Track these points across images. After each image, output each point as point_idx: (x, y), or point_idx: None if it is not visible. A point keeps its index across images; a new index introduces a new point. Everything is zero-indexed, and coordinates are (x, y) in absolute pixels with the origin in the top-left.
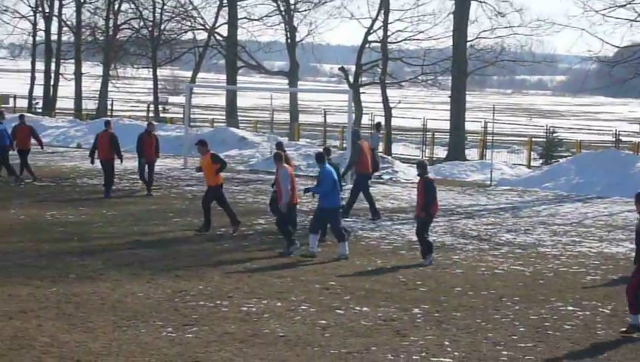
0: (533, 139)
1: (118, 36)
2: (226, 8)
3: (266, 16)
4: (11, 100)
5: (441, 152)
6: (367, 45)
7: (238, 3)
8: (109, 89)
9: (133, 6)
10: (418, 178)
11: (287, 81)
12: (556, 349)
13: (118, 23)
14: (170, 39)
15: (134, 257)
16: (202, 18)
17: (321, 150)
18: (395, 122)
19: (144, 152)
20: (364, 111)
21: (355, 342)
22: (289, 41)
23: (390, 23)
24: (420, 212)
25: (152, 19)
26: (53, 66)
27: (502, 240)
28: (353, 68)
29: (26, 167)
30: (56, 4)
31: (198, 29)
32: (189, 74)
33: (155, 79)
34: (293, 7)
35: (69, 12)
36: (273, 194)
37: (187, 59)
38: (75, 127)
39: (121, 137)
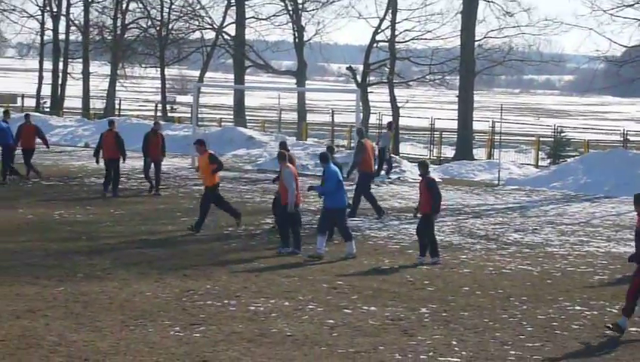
0: (541, 139)
1: (125, 35)
2: (234, 8)
3: (273, 15)
4: (19, 99)
5: (448, 152)
6: (374, 45)
7: (246, 2)
8: (117, 88)
9: (141, 5)
10: (420, 178)
11: (294, 81)
12: (564, 349)
13: (126, 22)
14: (177, 38)
15: (142, 256)
16: (210, 17)
17: (324, 150)
18: (402, 122)
19: (150, 151)
20: (371, 111)
21: (363, 342)
22: (297, 40)
23: (398, 22)
24: (434, 214)
25: (159, 18)
26: (61, 66)
27: (509, 239)
28: (361, 67)
29: (30, 166)
30: (64, 4)
31: (206, 29)
32: (197, 73)
33: (163, 78)
34: (301, 6)
35: (76, 11)
36: (277, 194)
37: (195, 58)
38: (83, 126)
39: (128, 136)
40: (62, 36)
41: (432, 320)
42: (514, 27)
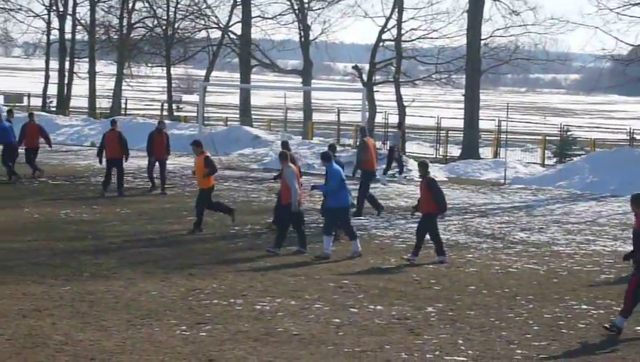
0: (547, 138)
1: (132, 35)
2: (240, 7)
3: (279, 14)
4: (25, 99)
5: (455, 151)
6: (380, 44)
7: (252, 1)
8: (123, 88)
9: (147, 5)
10: (420, 178)
11: (300, 80)
12: (570, 348)
13: (132, 21)
14: (184, 38)
15: (148, 256)
16: (216, 17)
17: (326, 148)
18: (409, 121)
19: (154, 150)
20: (377, 110)
21: (369, 341)
22: (303, 39)
23: (404, 21)
24: (441, 213)
25: (165, 17)
26: (67, 65)
27: (516, 238)
28: (367, 66)
29: (32, 165)
30: (71, 3)
31: (212, 28)
32: (203, 72)
33: (169, 78)
34: (306, 5)
35: (83, 11)
36: (278, 195)
37: (201, 57)
38: (89, 125)
39: (134, 136)
40: (68, 35)
41: (438, 319)
42: (520, 26)
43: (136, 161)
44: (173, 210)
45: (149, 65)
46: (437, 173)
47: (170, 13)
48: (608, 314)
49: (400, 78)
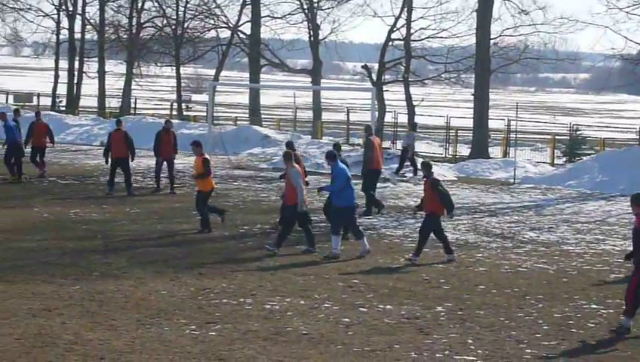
0: (557, 137)
1: (141, 34)
2: (249, 6)
3: (289, 14)
4: (35, 98)
5: (464, 150)
6: (390, 43)
7: (262, 1)
8: (132, 87)
9: (156, 4)
10: (424, 179)
11: (310, 79)
12: (580, 347)
13: (142, 21)
14: (193, 37)
15: (158, 255)
16: (225, 16)
17: (331, 148)
18: (418, 120)
19: (162, 150)
20: (387, 110)
21: (379, 340)
22: (312, 39)
23: (413, 20)
24: (450, 212)
25: (175, 17)
26: (76, 64)
27: (525, 238)
28: (376, 66)
29: (36, 163)
30: (80, 3)
31: (221, 27)
32: (212, 72)
33: (179, 77)
34: (316, 4)
35: (92, 10)
36: (282, 198)
37: (210, 57)
38: (99, 125)
39: (144, 135)
40: (77, 35)
41: (447, 318)
42: (529, 25)
43: (146, 161)
44: (183, 210)
45: (159, 64)
46: (446, 172)
47: (179, 12)
48: (618, 313)
49: (409, 77)
